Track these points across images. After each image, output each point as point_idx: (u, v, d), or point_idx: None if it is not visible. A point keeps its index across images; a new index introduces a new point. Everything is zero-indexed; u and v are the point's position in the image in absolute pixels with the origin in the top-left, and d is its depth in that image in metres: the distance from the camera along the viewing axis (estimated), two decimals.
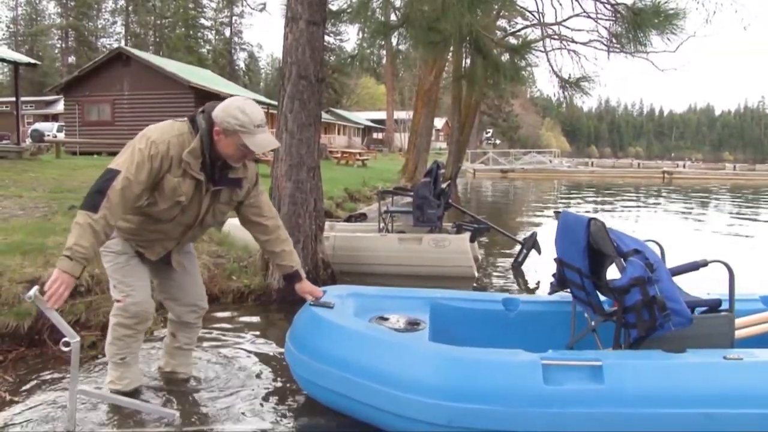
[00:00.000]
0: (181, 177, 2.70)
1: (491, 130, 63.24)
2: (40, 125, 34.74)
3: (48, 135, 29.45)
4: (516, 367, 2.53)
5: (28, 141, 26.25)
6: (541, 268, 6.80)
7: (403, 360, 2.61)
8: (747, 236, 11.01)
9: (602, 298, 3.08)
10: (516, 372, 2.51)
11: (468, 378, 2.50)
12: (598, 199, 19.48)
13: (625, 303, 2.73)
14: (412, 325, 3.01)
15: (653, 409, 2.40)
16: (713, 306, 2.90)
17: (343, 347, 2.75)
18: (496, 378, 2.49)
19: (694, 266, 3.09)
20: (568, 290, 3.32)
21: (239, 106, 2.67)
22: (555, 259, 3.34)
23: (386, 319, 3.08)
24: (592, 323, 3.10)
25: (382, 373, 2.59)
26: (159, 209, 2.74)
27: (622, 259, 2.83)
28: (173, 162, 2.67)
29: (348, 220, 8.31)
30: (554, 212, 3.70)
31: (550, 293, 3.52)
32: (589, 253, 2.93)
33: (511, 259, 7.35)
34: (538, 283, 6.45)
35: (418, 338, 2.85)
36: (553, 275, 3.42)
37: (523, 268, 7.03)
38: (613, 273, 2.98)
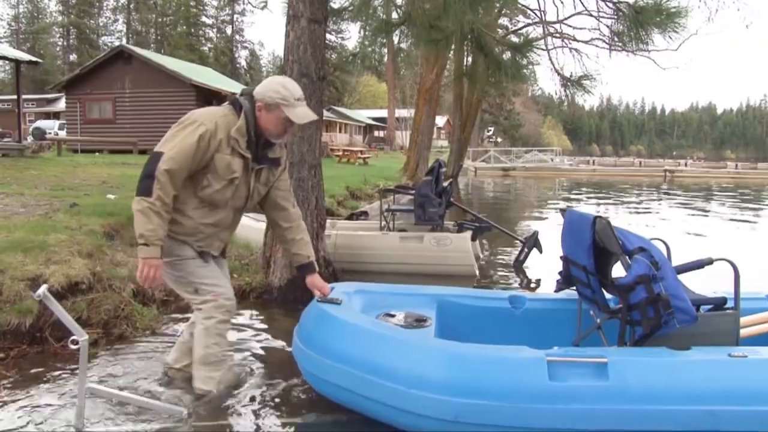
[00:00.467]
0: (230, 155, 2.80)
1: (493, 129, 63.21)
2: (41, 123, 34.78)
3: (49, 133, 29.48)
4: (521, 363, 2.53)
5: (30, 139, 26.26)
6: (542, 266, 6.79)
7: (409, 356, 2.62)
8: (750, 235, 10.99)
9: (608, 295, 3.08)
10: (521, 368, 2.51)
11: (474, 374, 2.51)
12: (601, 197, 19.46)
13: (630, 300, 2.73)
14: (419, 322, 3.02)
15: (658, 406, 2.40)
16: (718, 304, 2.90)
17: (351, 343, 2.76)
18: (501, 374, 2.50)
19: (699, 264, 3.09)
20: (574, 288, 3.32)
21: (280, 81, 2.88)
22: (561, 257, 3.34)
23: (393, 316, 3.09)
24: (598, 321, 3.10)
25: (389, 369, 2.60)
26: (214, 190, 2.82)
27: (627, 257, 2.83)
28: (222, 141, 2.77)
29: (350, 218, 8.31)
30: (560, 210, 3.69)
31: (556, 291, 3.53)
32: (594, 251, 2.93)
33: (513, 258, 7.33)
34: (539, 282, 6.44)
35: (424, 335, 2.86)
36: (559, 273, 3.42)
37: (525, 266, 7.02)
38: (618, 271, 2.98)
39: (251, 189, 2.93)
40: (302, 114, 2.86)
